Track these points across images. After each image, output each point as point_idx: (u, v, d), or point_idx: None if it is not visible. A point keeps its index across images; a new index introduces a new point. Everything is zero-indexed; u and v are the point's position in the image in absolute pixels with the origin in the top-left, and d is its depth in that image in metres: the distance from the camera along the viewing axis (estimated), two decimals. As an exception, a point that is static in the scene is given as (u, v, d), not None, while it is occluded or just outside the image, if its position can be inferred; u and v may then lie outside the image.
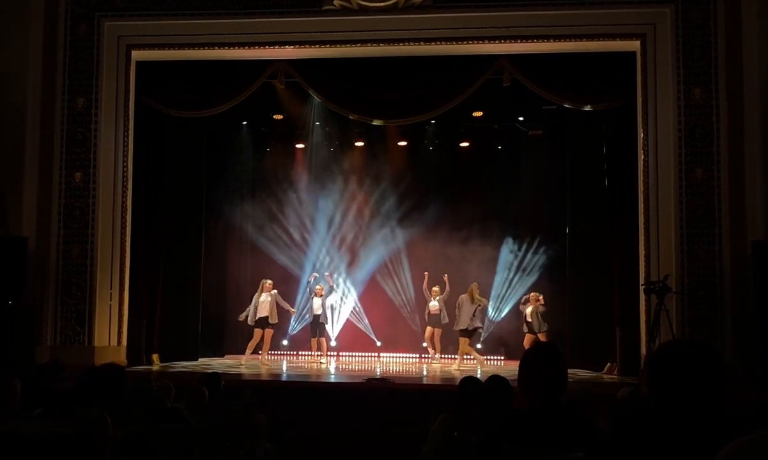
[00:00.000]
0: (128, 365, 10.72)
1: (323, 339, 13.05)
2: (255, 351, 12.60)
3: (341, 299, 14.28)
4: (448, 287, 12.89)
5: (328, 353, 13.36)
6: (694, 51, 10.62)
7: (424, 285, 13.12)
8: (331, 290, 13.33)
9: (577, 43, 11.04)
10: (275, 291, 12.70)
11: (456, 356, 12.58)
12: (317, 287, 13.16)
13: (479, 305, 12.29)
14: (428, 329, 13.10)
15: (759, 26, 10.42)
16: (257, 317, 12.44)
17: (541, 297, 12.50)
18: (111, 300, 11.30)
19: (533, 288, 13.32)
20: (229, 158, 14.55)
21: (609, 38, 10.96)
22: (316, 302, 13.02)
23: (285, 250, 14.86)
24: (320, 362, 12.76)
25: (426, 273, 13.18)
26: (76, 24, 11.44)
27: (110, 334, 11.26)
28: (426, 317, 13.20)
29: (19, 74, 11.25)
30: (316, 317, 12.96)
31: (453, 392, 4.93)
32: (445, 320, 12.79)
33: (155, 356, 12.06)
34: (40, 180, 11.25)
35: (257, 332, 12.47)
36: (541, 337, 12.03)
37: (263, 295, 12.53)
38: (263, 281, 12.80)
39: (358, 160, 14.81)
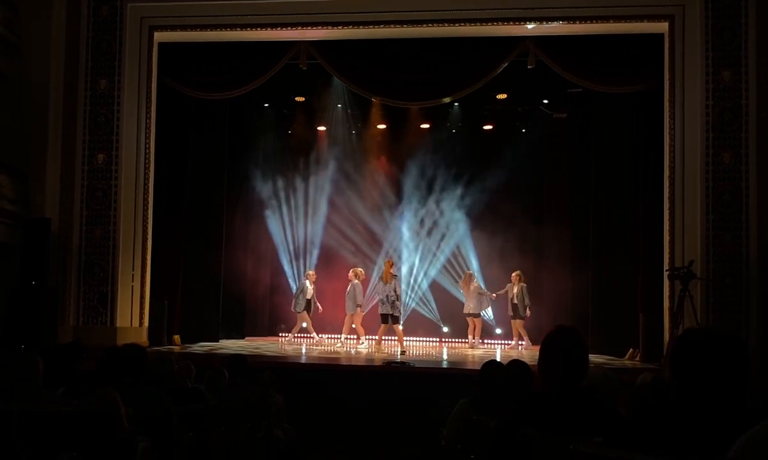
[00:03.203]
0: (149, 346, 10.81)
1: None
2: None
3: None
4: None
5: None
6: (724, 33, 10.41)
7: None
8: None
9: (605, 25, 10.89)
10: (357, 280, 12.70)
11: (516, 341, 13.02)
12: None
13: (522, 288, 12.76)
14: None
15: (791, 8, 10.20)
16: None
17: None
18: (133, 281, 11.41)
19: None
20: (250, 140, 14.54)
21: (637, 20, 10.79)
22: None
23: (305, 232, 14.87)
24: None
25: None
26: (98, 5, 11.47)
27: (132, 315, 11.38)
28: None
29: (42, 56, 11.32)
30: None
31: (473, 376, 4.88)
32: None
33: (176, 337, 12.14)
34: (63, 162, 11.35)
35: None
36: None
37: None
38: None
39: (381, 143, 14.72)
